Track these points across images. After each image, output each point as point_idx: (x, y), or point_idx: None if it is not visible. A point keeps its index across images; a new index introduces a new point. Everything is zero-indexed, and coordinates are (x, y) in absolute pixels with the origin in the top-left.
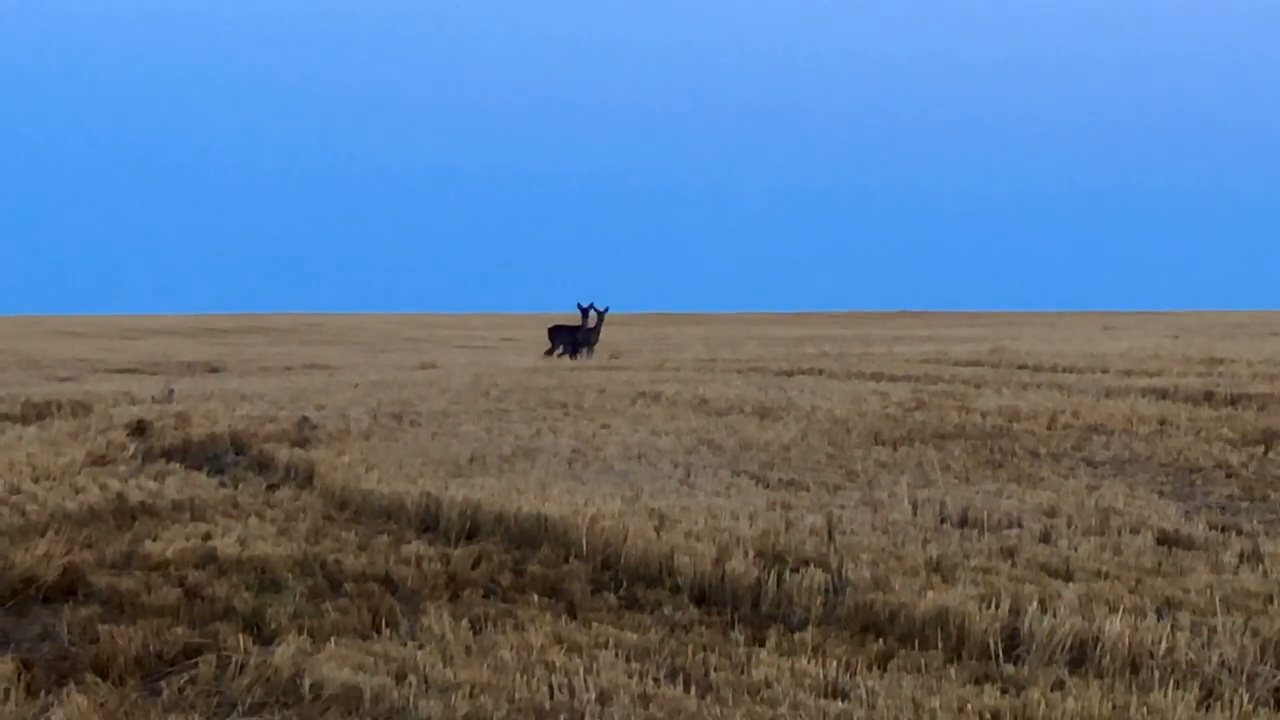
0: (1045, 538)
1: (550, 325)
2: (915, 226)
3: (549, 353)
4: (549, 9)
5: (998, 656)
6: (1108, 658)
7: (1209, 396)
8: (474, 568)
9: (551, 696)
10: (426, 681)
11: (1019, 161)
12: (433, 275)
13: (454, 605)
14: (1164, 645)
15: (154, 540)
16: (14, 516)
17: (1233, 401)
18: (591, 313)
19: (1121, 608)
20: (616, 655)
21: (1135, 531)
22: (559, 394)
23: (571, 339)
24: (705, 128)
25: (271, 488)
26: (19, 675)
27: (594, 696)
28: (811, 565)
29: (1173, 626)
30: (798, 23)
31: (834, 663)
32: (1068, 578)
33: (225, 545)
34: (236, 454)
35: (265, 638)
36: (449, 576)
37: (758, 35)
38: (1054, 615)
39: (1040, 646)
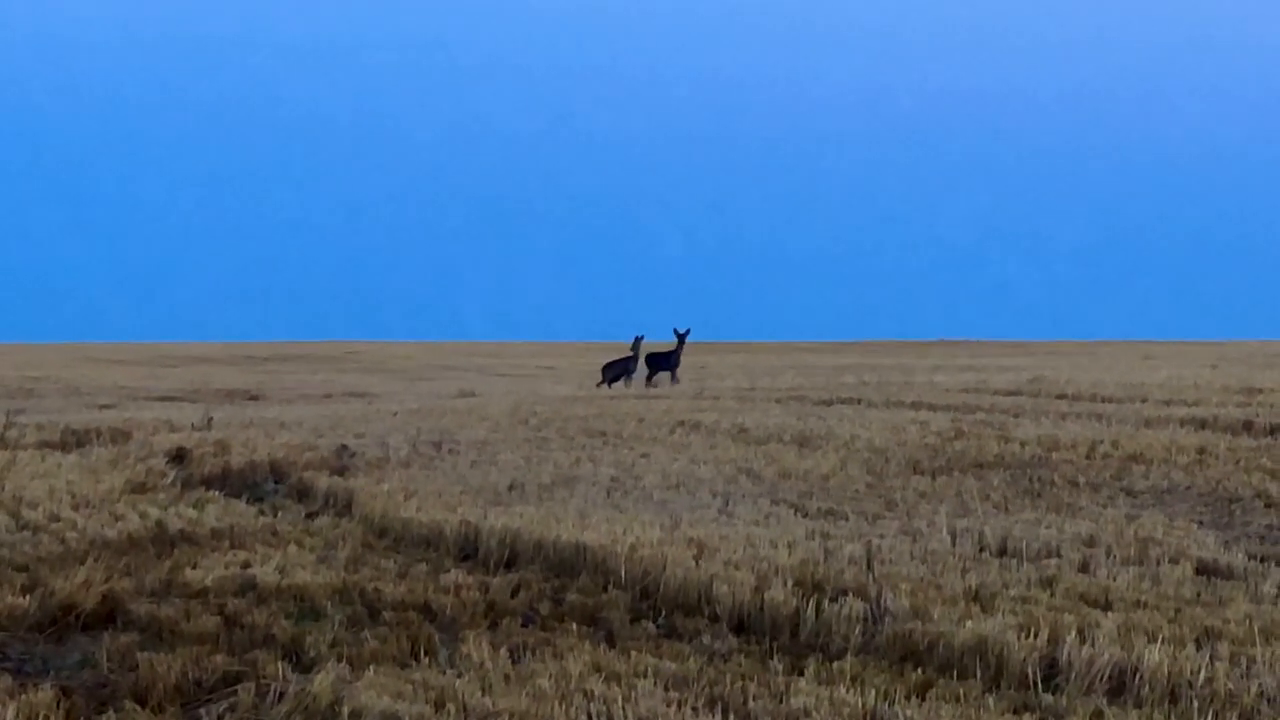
0: (1084, 567)
1: (648, 354)
2: (955, 255)
3: (649, 383)
4: (572, 38)
5: (1036, 686)
6: (1147, 688)
7: (1248, 426)
8: (513, 596)
9: None
10: (465, 710)
11: (1058, 190)
12: (471, 303)
13: (493, 633)
14: (1203, 675)
15: (193, 568)
16: (54, 544)
17: (1272, 431)
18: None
19: (1160, 638)
20: (655, 684)
21: (1174, 561)
22: (598, 423)
23: (667, 365)
24: (738, 155)
25: (311, 516)
26: (58, 703)
27: None
28: (850, 594)
29: (1212, 656)
30: (820, 50)
31: (873, 692)
32: (1107, 607)
33: (264, 573)
34: (276, 482)
35: (304, 665)
36: (488, 605)
37: (775, 60)
38: (1093, 645)
39: (1079, 676)
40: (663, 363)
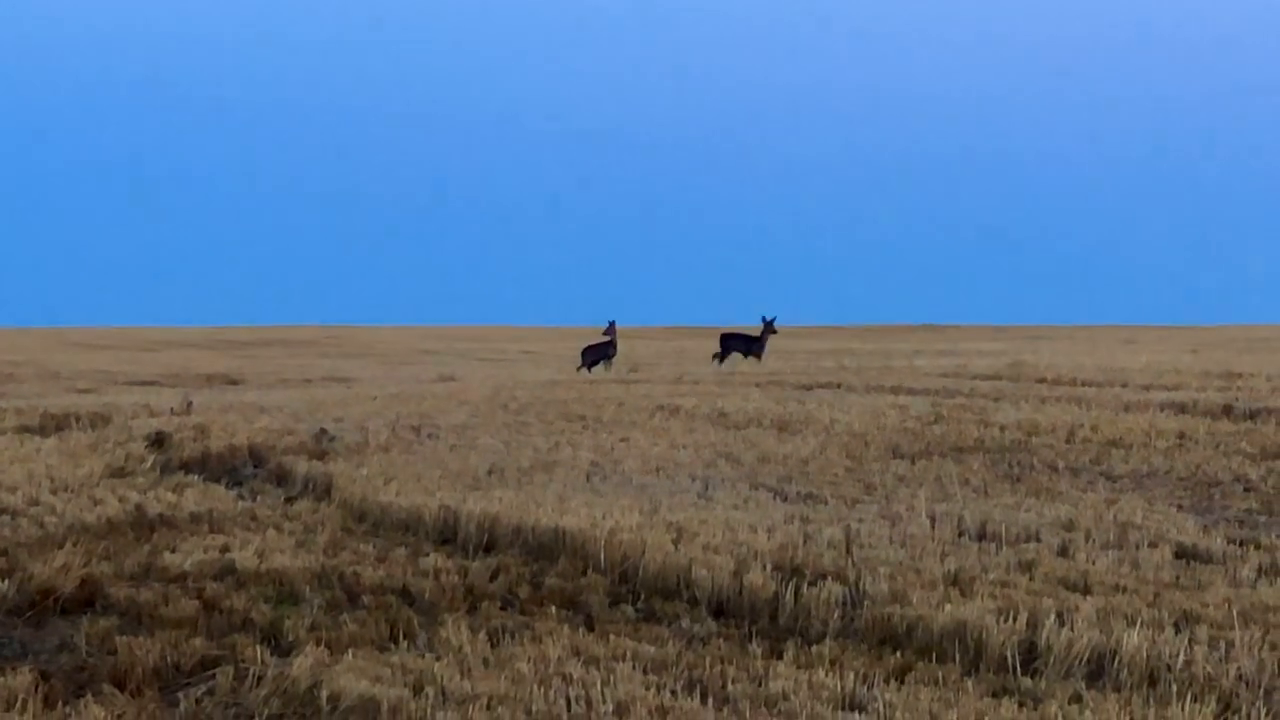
0: (1063, 551)
1: (725, 333)
2: (936, 240)
3: (718, 358)
4: (562, 27)
5: (1015, 670)
6: (1125, 671)
7: (1228, 410)
8: (492, 580)
9: (569, 709)
10: (444, 693)
11: (1041, 175)
12: (452, 288)
13: (472, 617)
14: (1182, 659)
15: (172, 552)
16: (32, 528)
17: (1251, 416)
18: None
19: (1139, 621)
20: (634, 668)
21: (1153, 545)
22: (578, 407)
23: (746, 348)
24: (719, 143)
25: (290, 500)
26: (37, 687)
27: (611, 709)
28: (829, 578)
29: (1190, 640)
30: (807, 34)
31: (851, 675)
32: (1086, 591)
33: (243, 557)
34: (255, 466)
35: (283, 649)
36: (467, 589)
37: (770, 50)
38: (1072, 629)
39: (1058, 660)
40: (740, 344)
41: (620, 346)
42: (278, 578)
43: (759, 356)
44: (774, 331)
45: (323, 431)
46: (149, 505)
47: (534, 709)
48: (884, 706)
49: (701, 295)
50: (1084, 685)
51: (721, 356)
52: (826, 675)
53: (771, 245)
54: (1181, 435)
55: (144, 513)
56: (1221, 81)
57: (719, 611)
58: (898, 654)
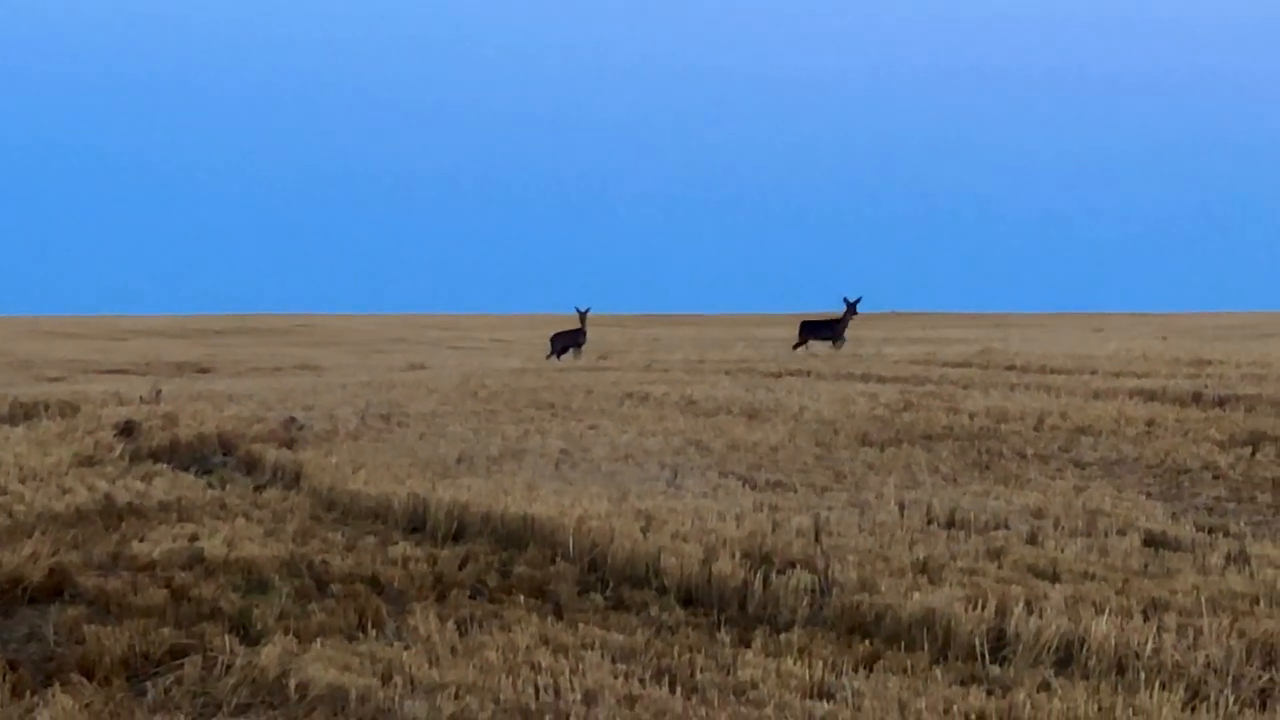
0: (1032, 539)
1: (804, 321)
2: (906, 228)
3: (800, 346)
4: (536, 18)
5: (984, 658)
6: (1094, 659)
7: (1197, 398)
8: (461, 568)
9: (537, 697)
10: (412, 682)
11: (1010, 164)
12: (423, 276)
13: (440, 606)
14: (1150, 646)
15: (141, 541)
16: (1, 517)
17: (1220, 403)
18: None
19: (1108, 609)
20: (602, 656)
21: (1122, 533)
22: (547, 395)
23: (830, 333)
24: (692, 133)
25: (259, 488)
26: (5, 676)
27: (580, 697)
28: (798, 566)
29: (1159, 628)
30: (787, 27)
31: (820, 664)
32: (1054, 579)
33: (212, 546)
34: (224, 455)
35: (251, 638)
36: (436, 577)
37: (741, 44)
38: (1040, 616)
39: (1026, 648)
40: (823, 330)
41: (591, 334)
42: (246, 566)
43: (837, 341)
44: (855, 313)
45: (292, 420)
46: (118, 494)
47: (502, 698)
48: (852, 695)
49: (677, 283)
50: (1053, 673)
51: (801, 343)
52: (795, 664)
53: (743, 233)
54: (1150, 423)
55: (113, 501)
56: (1193, 67)
57: (687, 600)
58: (866, 642)
